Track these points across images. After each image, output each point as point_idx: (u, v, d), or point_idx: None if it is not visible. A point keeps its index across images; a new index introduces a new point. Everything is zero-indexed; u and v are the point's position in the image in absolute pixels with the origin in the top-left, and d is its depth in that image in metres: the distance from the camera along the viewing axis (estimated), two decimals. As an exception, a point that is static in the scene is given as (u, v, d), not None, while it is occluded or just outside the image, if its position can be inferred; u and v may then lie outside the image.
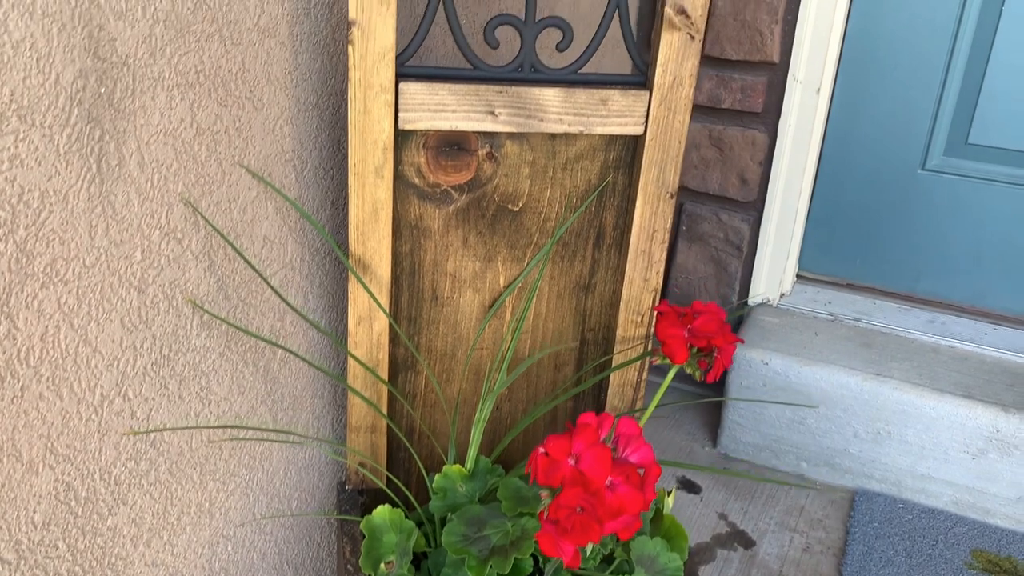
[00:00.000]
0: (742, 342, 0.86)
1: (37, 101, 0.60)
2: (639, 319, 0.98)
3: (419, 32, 0.84)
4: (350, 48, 0.80)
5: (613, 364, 1.00)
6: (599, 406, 1.04)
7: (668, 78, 0.88)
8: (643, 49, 0.92)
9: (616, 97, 0.88)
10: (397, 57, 0.83)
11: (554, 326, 1.00)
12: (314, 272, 0.95)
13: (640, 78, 0.90)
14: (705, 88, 1.73)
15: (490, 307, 0.97)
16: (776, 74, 1.68)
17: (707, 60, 1.72)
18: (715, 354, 0.81)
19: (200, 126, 0.75)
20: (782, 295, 1.84)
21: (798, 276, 1.88)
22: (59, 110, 0.62)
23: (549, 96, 0.87)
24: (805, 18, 1.61)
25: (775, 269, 1.81)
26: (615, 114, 0.89)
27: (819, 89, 1.65)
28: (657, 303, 0.97)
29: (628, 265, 0.95)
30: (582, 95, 0.87)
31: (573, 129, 0.89)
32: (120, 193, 0.68)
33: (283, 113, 0.85)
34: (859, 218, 1.78)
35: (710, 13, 1.69)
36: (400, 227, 0.91)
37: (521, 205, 0.93)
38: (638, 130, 0.90)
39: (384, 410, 0.95)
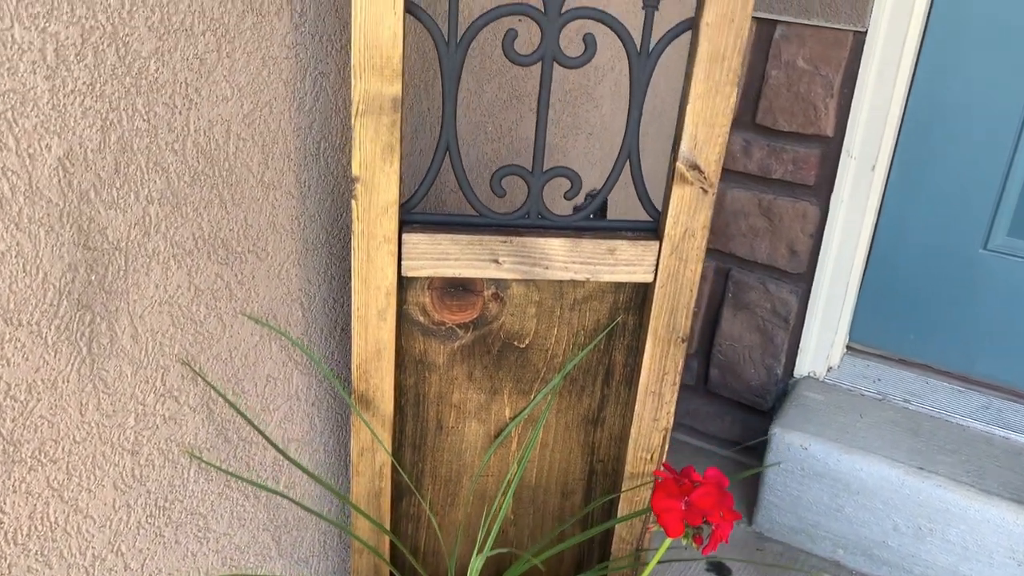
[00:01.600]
0: (739, 518, 0.83)
1: (23, 302, 0.62)
2: (648, 456, 0.96)
3: (424, 182, 0.83)
4: (354, 202, 0.80)
5: (621, 501, 0.98)
6: (608, 533, 1.03)
7: (679, 229, 0.85)
8: (658, 193, 0.89)
9: (624, 247, 0.86)
10: (402, 206, 0.83)
11: (561, 456, 0.99)
12: (321, 398, 0.95)
13: (651, 224, 0.88)
14: (756, 157, 1.68)
15: (495, 437, 0.96)
16: (829, 148, 1.61)
17: (758, 128, 1.66)
18: (712, 529, 0.78)
19: (199, 288, 0.76)
20: (829, 368, 1.78)
21: (848, 347, 1.82)
22: (47, 305, 0.63)
23: (555, 246, 0.85)
24: (862, 94, 1.54)
25: (823, 342, 1.75)
26: (623, 263, 0.87)
27: (874, 166, 1.58)
28: (667, 442, 0.95)
29: (637, 404, 0.93)
30: (589, 245, 0.86)
31: (579, 277, 0.87)
32: (112, 368, 0.70)
33: (289, 256, 0.85)
34: (915, 293, 1.71)
35: (763, 82, 1.63)
36: (404, 361, 0.91)
37: (528, 342, 0.92)
38: (647, 278, 0.88)
39: (387, 550, 0.96)
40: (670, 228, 0.85)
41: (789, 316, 1.76)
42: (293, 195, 0.84)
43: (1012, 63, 1.49)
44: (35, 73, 0.58)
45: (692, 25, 0.78)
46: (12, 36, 0.56)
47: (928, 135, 1.59)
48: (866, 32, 1.51)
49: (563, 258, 0.86)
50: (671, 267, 0.87)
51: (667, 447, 0.97)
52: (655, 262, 0.87)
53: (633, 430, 0.95)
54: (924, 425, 1.63)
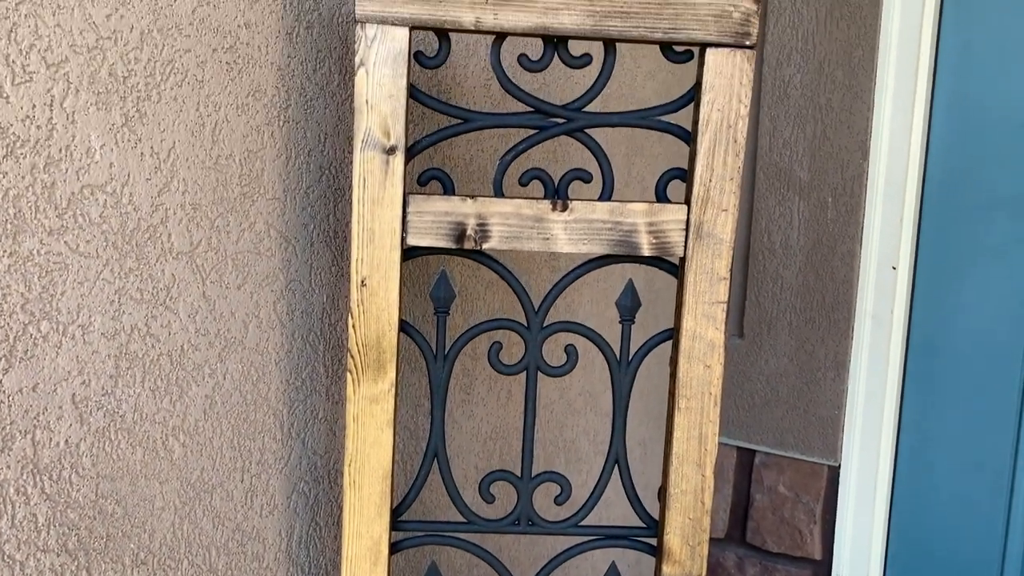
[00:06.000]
0: None
1: None
2: None
3: None
4: None
5: None
6: None
7: None
8: None
9: None
10: None
11: None
12: None
13: None
14: (750, 573, 1.73)
15: None
16: (820, 569, 1.67)
17: (749, 546, 1.73)
18: None
19: None
20: None
21: None
22: None
23: None
24: (844, 521, 1.63)
25: None
26: None
27: (865, 591, 1.63)
28: None
29: None
30: None
31: None
32: None
33: None
34: None
35: (749, 503, 1.73)
36: None
37: None
38: None
39: None
40: None
41: None
42: None
43: (990, 406, 1.55)
44: None
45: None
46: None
47: (916, 555, 1.65)
48: (839, 466, 1.62)
49: None
50: None
51: None
52: None
53: None
54: None
